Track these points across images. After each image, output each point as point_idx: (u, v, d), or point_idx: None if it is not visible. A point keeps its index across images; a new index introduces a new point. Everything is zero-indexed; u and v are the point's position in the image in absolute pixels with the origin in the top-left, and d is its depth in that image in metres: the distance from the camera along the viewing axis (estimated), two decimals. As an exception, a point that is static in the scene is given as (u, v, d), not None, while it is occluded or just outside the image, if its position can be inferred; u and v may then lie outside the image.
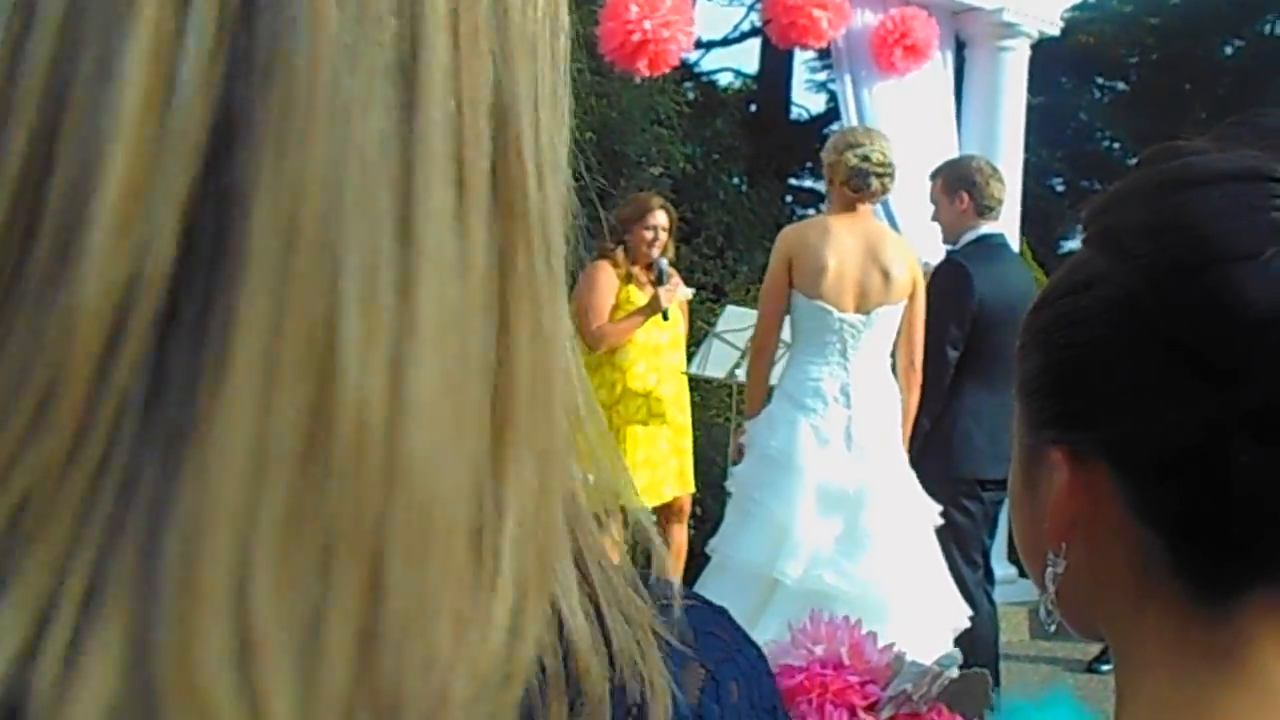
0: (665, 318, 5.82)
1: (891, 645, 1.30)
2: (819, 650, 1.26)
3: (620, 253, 5.95)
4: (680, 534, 6.20)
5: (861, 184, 4.73)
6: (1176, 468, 0.76)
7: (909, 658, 1.28)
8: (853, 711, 1.19)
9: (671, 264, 5.99)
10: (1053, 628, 0.87)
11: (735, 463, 4.99)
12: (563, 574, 0.52)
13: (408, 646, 0.43)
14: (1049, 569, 0.83)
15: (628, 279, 5.95)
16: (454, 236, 0.46)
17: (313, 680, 0.41)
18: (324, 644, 0.41)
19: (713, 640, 0.58)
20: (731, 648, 0.58)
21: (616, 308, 5.93)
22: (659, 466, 5.95)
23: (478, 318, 0.47)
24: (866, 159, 4.74)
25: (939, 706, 1.22)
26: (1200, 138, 0.83)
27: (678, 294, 5.95)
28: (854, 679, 1.21)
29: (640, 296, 5.93)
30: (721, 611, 0.61)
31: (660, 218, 5.94)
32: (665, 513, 6.14)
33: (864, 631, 1.31)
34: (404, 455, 0.43)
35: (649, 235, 5.91)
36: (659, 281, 5.83)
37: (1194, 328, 0.75)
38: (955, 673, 1.22)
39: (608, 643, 0.52)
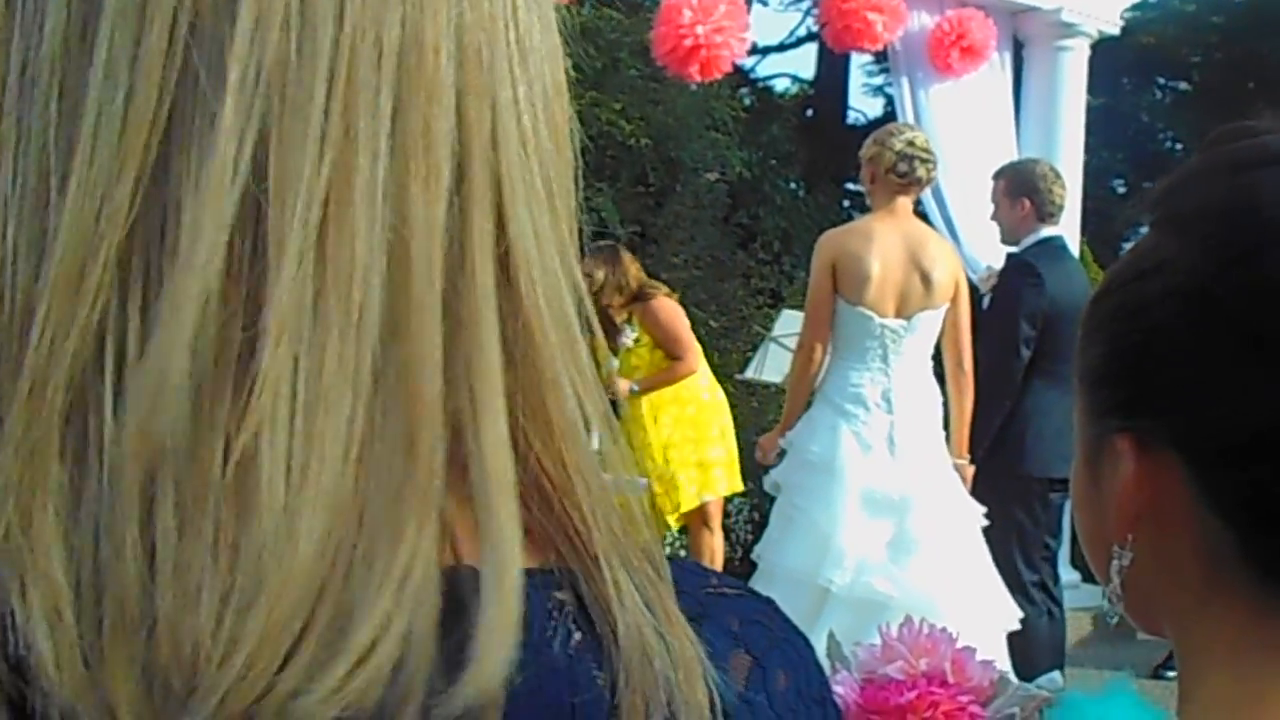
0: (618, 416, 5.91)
1: (993, 663, 1.27)
2: (923, 664, 1.23)
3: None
4: (711, 540, 6.21)
5: (908, 168, 4.68)
6: (1246, 454, 0.75)
7: (1011, 678, 1.25)
8: (962, 733, 1.17)
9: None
10: (1115, 620, 0.85)
11: (764, 463, 4.99)
12: (603, 568, 0.52)
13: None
14: (1114, 561, 0.82)
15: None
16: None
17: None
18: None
19: (759, 629, 0.57)
20: (778, 636, 0.58)
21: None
22: (706, 469, 5.99)
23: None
24: (911, 144, 4.70)
25: None
26: (1266, 118, 0.81)
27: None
28: (963, 699, 1.19)
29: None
30: (768, 601, 0.60)
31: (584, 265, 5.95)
32: (695, 518, 6.17)
33: (962, 646, 1.28)
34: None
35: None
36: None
37: (1262, 310, 0.73)
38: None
39: (655, 638, 0.51)
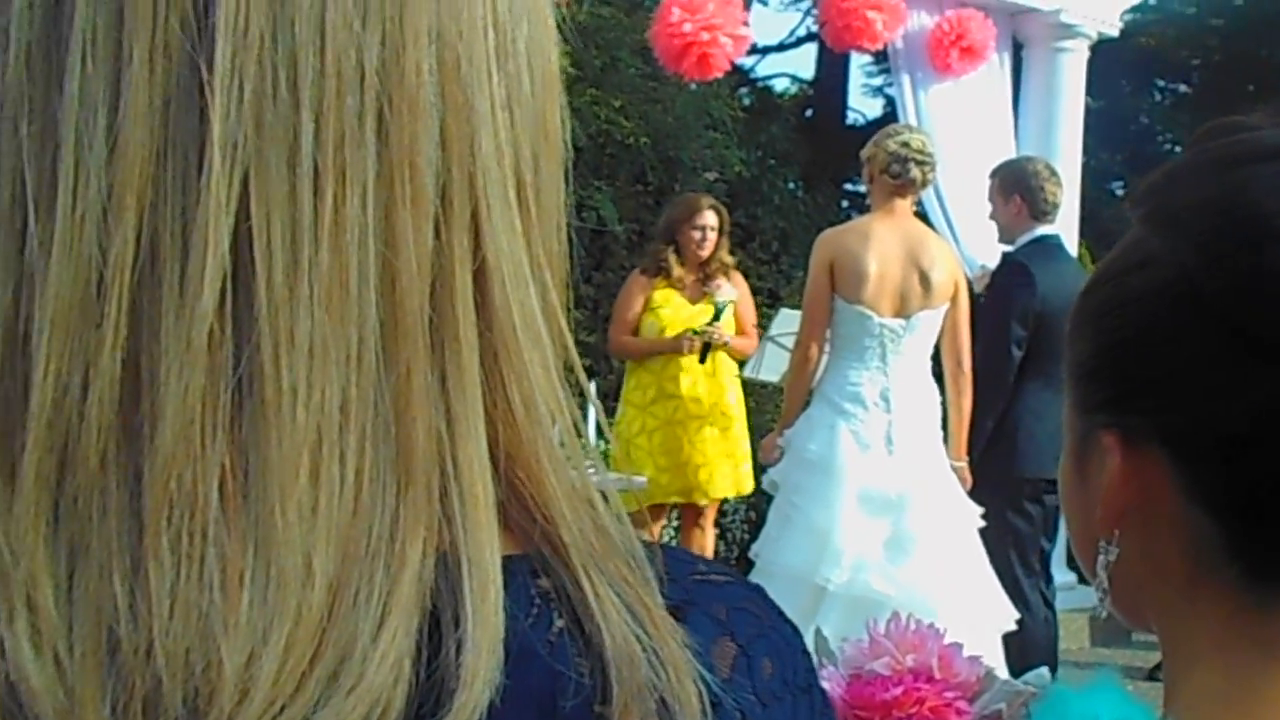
0: (702, 360, 5.84)
1: (980, 658, 1.27)
2: (909, 660, 1.23)
3: (671, 254, 5.95)
4: (702, 538, 6.17)
5: (901, 169, 4.68)
6: (1232, 450, 0.75)
7: (999, 673, 1.25)
8: (948, 729, 1.17)
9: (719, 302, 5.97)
10: (1104, 615, 0.85)
11: (767, 463, 4.98)
12: (581, 579, 0.52)
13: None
14: (1101, 557, 0.82)
15: (671, 282, 5.95)
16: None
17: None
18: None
19: (745, 616, 0.57)
20: (764, 624, 0.58)
21: (650, 309, 5.94)
22: (699, 469, 5.93)
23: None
24: (906, 145, 4.70)
25: None
26: (1257, 114, 0.81)
27: (723, 294, 5.96)
28: (950, 695, 1.18)
29: (676, 299, 5.94)
30: (756, 588, 0.60)
31: (709, 218, 5.93)
32: (690, 515, 6.13)
33: (949, 642, 1.28)
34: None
35: (697, 235, 5.91)
36: (715, 317, 5.85)
37: (1250, 306, 0.73)
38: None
39: (639, 641, 0.51)
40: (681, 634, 0.53)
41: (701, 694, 0.52)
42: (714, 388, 6.00)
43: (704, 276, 5.97)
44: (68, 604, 0.45)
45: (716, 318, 5.84)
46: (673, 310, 5.95)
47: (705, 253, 5.93)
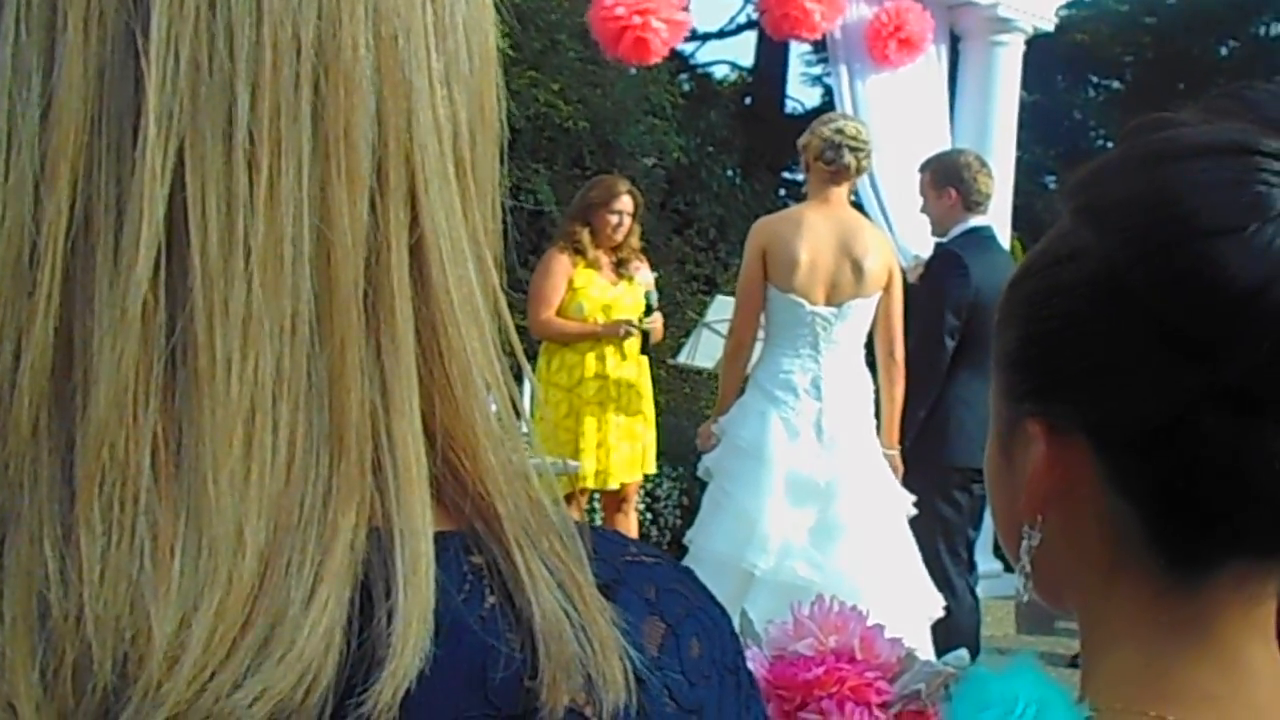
0: (644, 350, 5.87)
1: (901, 640, 1.29)
2: (831, 641, 1.24)
3: (585, 234, 5.96)
4: (625, 521, 6.19)
5: (835, 156, 4.70)
6: (1154, 441, 0.76)
7: (919, 654, 1.26)
8: (869, 709, 1.18)
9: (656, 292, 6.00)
10: (1026, 599, 0.87)
11: (704, 451, 4.99)
12: (512, 553, 0.52)
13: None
14: (1024, 541, 0.83)
15: (589, 262, 5.95)
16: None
17: None
18: None
19: (674, 597, 0.58)
20: (693, 604, 0.59)
21: (572, 290, 5.93)
22: (612, 452, 5.95)
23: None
24: (840, 131, 4.73)
25: (939, 705, 1.21)
26: (1186, 110, 0.82)
27: (641, 276, 5.98)
28: (870, 675, 1.20)
29: (598, 280, 5.94)
30: (686, 570, 0.61)
31: (626, 202, 5.94)
32: (612, 499, 6.15)
33: (871, 624, 1.29)
34: None
35: (613, 219, 5.92)
36: (646, 312, 5.87)
37: (1175, 302, 0.74)
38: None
39: (568, 616, 0.52)
40: (611, 611, 0.53)
41: (628, 671, 0.53)
42: (639, 370, 6.03)
43: (618, 260, 5.99)
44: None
45: (648, 311, 5.86)
46: (598, 291, 5.95)
47: (620, 237, 5.95)
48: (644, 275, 6.07)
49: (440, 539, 0.51)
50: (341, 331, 0.49)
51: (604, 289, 5.96)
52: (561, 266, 5.94)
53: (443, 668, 0.49)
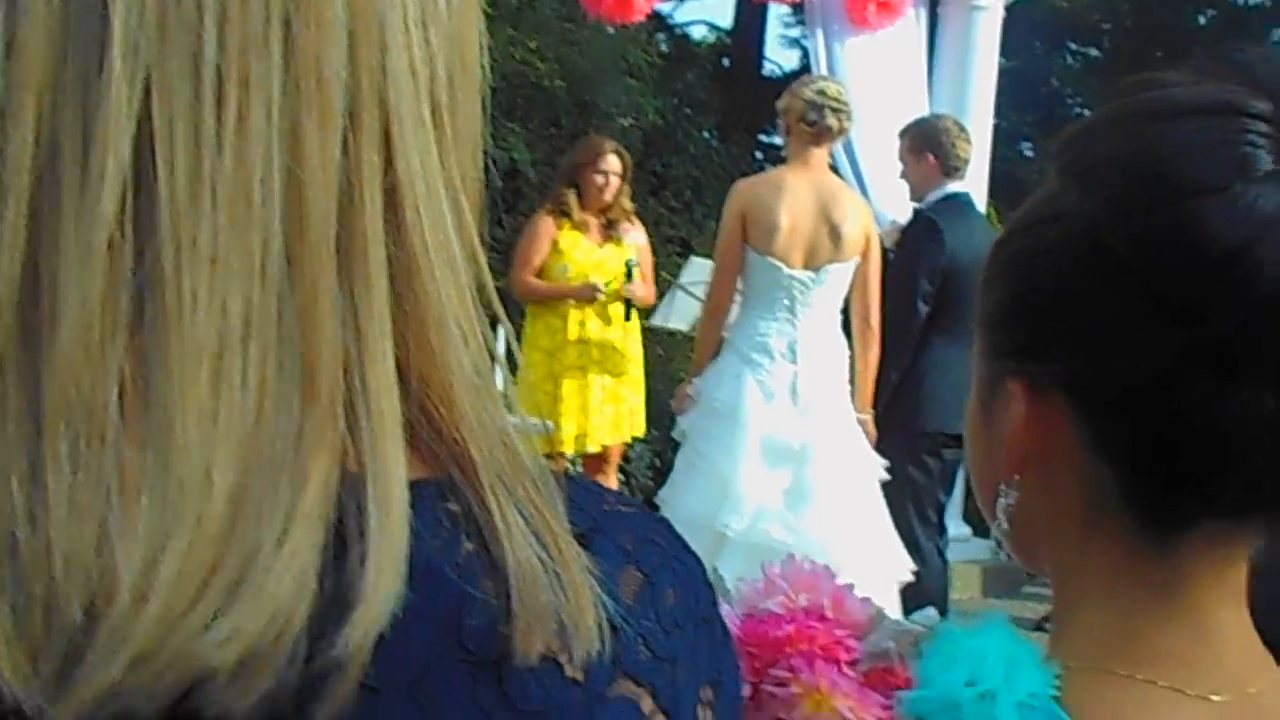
0: (627, 318, 5.86)
1: (869, 599, 1.29)
2: (802, 600, 1.25)
3: (572, 196, 5.94)
4: (605, 483, 6.20)
5: (817, 117, 4.71)
6: (1132, 401, 0.76)
7: (888, 613, 1.27)
8: (839, 666, 1.19)
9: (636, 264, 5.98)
10: (1003, 557, 0.87)
11: (680, 413, 5.01)
12: (488, 500, 0.52)
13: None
14: (1001, 500, 0.84)
15: (575, 224, 5.94)
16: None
17: None
18: None
19: (651, 547, 0.58)
20: (669, 554, 0.58)
21: (557, 252, 5.92)
22: (593, 415, 5.95)
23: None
24: (822, 93, 4.74)
25: (908, 663, 1.22)
26: (1175, 71, 0.82)
27: (630, 238, 5.97)
28: (840, 633, 1.20)
29: (584, 243, 5.93)
30: (662, 520, 0.61)
31: (612, 162, 5.93)
32: (593, 462, 6.16)
33: (841, 582, 1.30)
34: None
35: (599, 179, 5.91)
36: (627, 277, 5.85)
37: (1157, 262, 0.74)
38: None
39: (542, 563, 0.52)
40: (585, 559, 0.53)
41: (601, 619, 0.52)
42: (625, 334, 6.03)
43: (607, 221, 5.97)
44: None
45: (629, 277, 5.86)
46: (583, 253, 5.94)
47: (608, 197, 5.93)
48: (633, 238, 6.05)
49: (415, 486, 0.51)
50: (313, 273, 0.49)
51: (589, 251, 5.95)
52: (545, 228, 5.93)
53: (417, 612, 0.49)
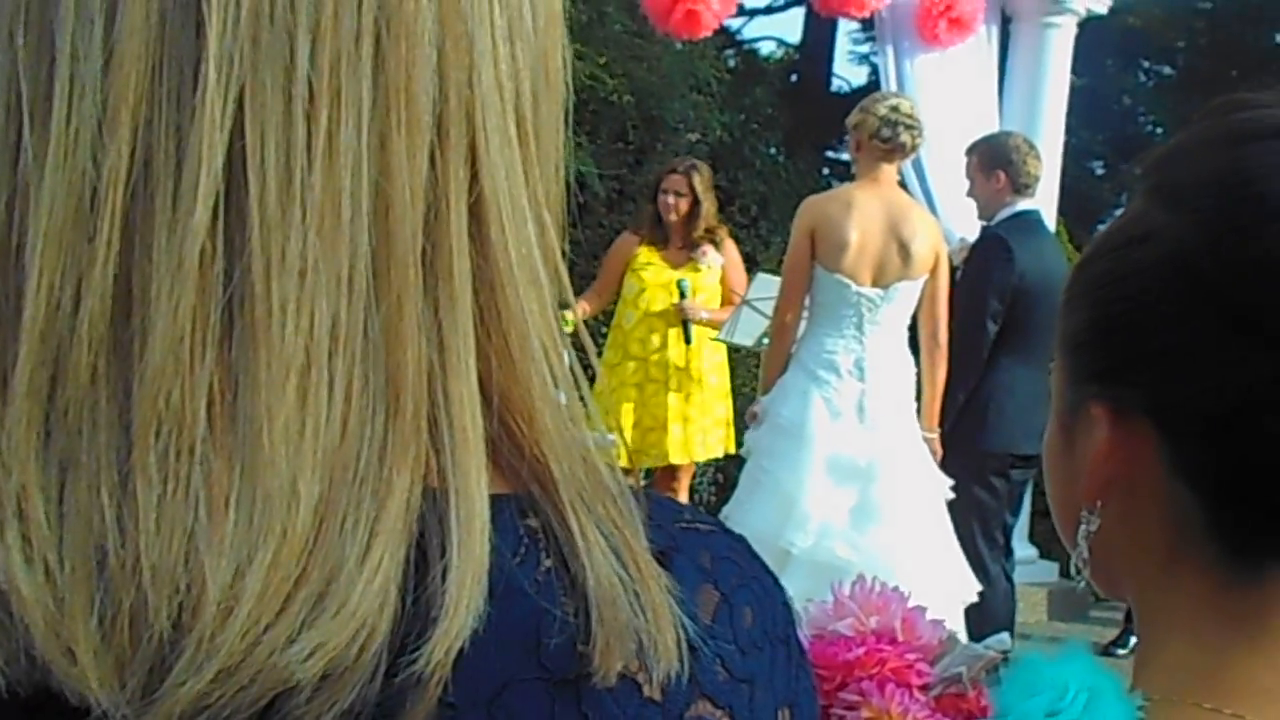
0: (687, 340, 5.86)
1: (943, 622, 1.27)
2: (873, 622, 1.23)
3: (649, 216, 6.05)
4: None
5: (891, 134, 4.67)
6: (1220, 429, 0.75)
7: (961, 637, 1.25)
8: (910, 690, 1.17)
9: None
10: (1081, 585, 0.86)
11: (749, 428, 4.99)
12: (568, 520, 0.52)
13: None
14: (1082, 526, 0.82)
15: (653, 243, 5.98)
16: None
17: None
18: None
19: (729, 565, 0.57)
20: (747, 573, 0.58)
21: (633, 270, 5.98)
22: (649, 433, 5.94)
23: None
24: (895, 109, 4.71)
25: (980, 687, 1.21)
26: (1267, 91, 0.81)
27: (707, 261, 5.97)
28: (911, 657, 1.19)
29: (658, 262, 5.96)
30: (740, 539, 0.60)
31: (675, 182, 5.96)
32: (664, 478, 6.14)
33: (913, 605, 1.28)
34: None
35: (664, 199, 5.98)
36: (680, 295, 5.91)
37: (1245, 287, 0.73)
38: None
39: (622, 581, 0.51)
40: (665, 578, 0.53)
41: (680, 639, 0.52)
42: (685, 352, 6.01)
43: (686, 243, 5.97)
44: (58, 516, 0.45)
45: (682, 296, 5.86)
46: (654, 272, 5.96)
47: (673, 217, 5.96)
48: (709, 260, 6.04)
49: (496, 501, 0.51)
50: (399, 287, 0.49)
51: (660, 270, 5.97)
52: (620, 245, 6.05)
53: (496, 629, 0.49)
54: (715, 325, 6.09)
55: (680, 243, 6.00)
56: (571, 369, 0.56)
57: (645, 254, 5.97)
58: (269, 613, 0.44)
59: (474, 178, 0.52)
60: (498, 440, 0.53)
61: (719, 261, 6.10)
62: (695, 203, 5.98)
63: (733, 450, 6.29)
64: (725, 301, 6.10)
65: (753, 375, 8.04)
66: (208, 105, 0.45)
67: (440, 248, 0.50)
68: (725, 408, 6.23)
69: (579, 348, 0.59)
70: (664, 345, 5.97)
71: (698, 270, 6.00)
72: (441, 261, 0.50)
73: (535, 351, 0.53)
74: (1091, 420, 0.81)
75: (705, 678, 0.53)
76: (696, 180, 5.98)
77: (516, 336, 0.53)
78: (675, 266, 5.99)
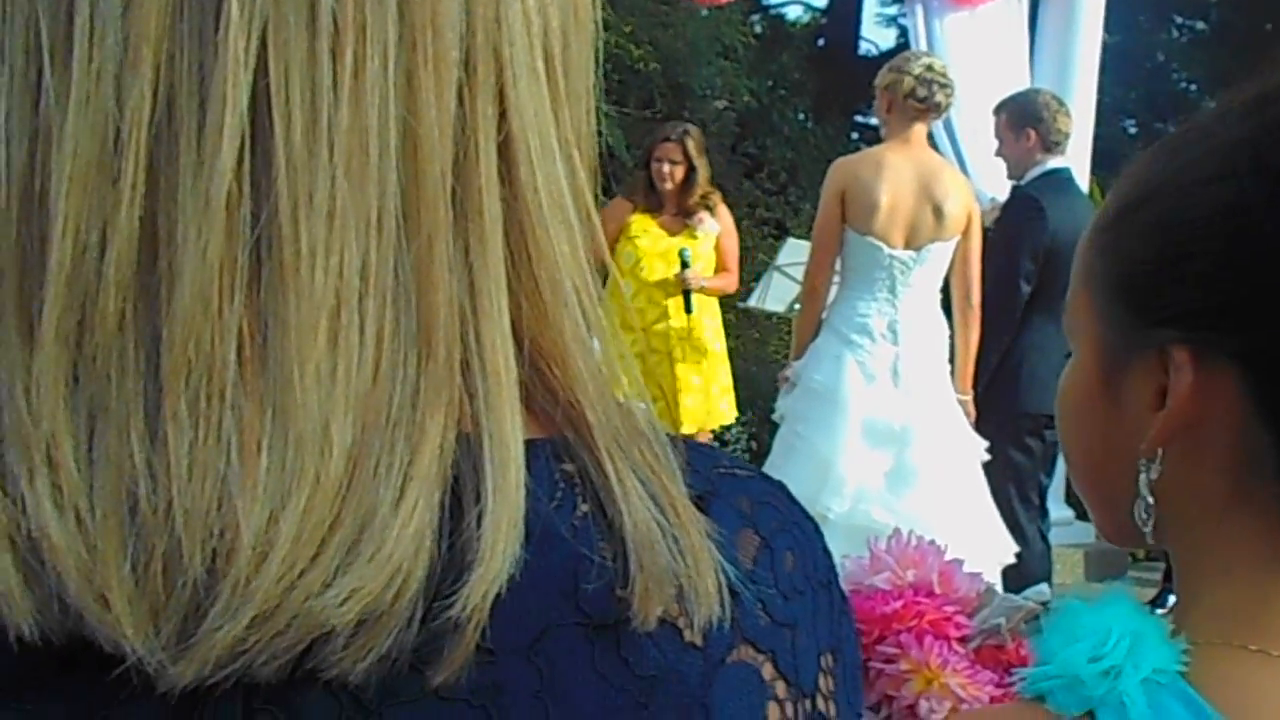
0: (688, 310, 5.80)
1: (980, 574, 1.26)
2: (909, 575, 1.23)
3: (643, 182, 5.95)
4: None
5: (927, 93, 4.61)
6: None
7: (999, 589, 1.24)
8: (948, 643, 1.16)
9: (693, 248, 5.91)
10: (1149, 530, 0.82)
11: (781, 393, 4.97)
12: (604, 464, 0.51)
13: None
14: (1142, 475, 0.81)
15: (648, 210, 5.91)
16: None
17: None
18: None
19: (769, 510, 0.57)
20: (787, 518, 0.57)
21: (627, 238, 5.89)
22: (655, 403, 5.90)
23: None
24: (930, 68, 4.65)
25: (1020, 638, 1.20)
26: None
27: (704, 228, 5.92)
28: (949, 609, 1.18)
29: (654, 230, 5.89)
30: (779, 485, 0.60)
31: (669, 150, 5.86)
32: None
33: (950, 558, 1.27)
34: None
35: (657, 167, 5.88)
36: (683, 265, 5.81)
37: None
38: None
39: (660, 526, 0.51)
40: (704, 523, 0.52)
41: (721, 584, 0.51)
42: (687, 321, 5.96)
43: (681, 210, 5.92)
44: (88, 463, 0.44)
45: (684, 266, 5.80)
46: (650, 240, 5.90)
47: (667, 185, 5.87)
48: (707, 227, 5.98)
49: (530, 446, 0.50)
50: (429, 228, 0.48)
51: (657, 239, 5.91)
52: (613, 211, 5.88)
53: (533, 574, 0.48)
54: (715, 293, 6.03)
55: (675, 209, 5.93)
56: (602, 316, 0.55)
57: (640, 221, 5.88)
58: (304, 558, 0.44)
59: (502, 115, 0.51)
60: (530, 384, 0.52)
61: (715, 228, 6.03)
62: (690, 169, 5.89)
63: (729, 421, 6.30)
64: (720, 268, 6.04)
65: (784, 341, 8.02)
66: (230, 42, 0.45)
67: (470, 187, 0.50)
68: (728, 374, 6.21)
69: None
70: (664, 315, 5.92)
71: (694, 238, 5.92)
72: (471, 202, 0.50)
73: (568, 295, 0.53)
74: (1156, 365, 0.79)
75: (747, 622, 0.53)
76: (690, 146, 5.89)
77: (547, 278, 0.52)
78: (672, 234, 5.92)
